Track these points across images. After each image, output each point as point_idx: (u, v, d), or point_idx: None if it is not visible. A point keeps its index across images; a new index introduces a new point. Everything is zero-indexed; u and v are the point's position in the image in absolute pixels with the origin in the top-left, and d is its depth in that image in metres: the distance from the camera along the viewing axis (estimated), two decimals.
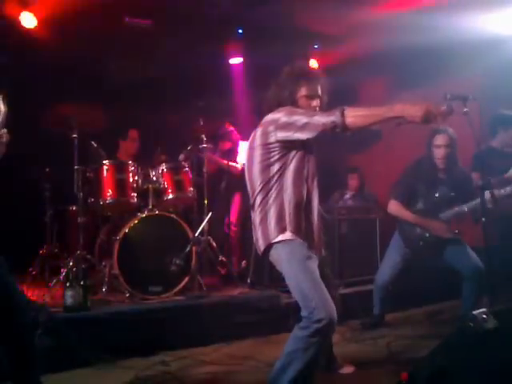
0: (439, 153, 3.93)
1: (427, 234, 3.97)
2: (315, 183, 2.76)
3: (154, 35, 5.61)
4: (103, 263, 4.49)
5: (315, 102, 2.77)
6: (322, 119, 2.50)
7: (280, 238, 2.62)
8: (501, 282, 4.19)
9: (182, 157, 4.83)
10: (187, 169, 4.70)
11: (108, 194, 4.36)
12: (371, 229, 5.13)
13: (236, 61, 6.63)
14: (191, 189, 4.65)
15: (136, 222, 4.23)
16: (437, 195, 3.99)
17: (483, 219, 3.96)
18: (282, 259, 2.65)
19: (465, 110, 3.68)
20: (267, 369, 3.32)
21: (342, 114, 2.44)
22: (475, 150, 4.09)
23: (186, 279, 4.29)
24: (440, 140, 3.93)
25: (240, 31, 6.12)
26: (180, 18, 5.45)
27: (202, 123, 4.89)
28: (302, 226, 2.64)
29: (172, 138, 5.48)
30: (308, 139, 2.56)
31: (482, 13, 4.86)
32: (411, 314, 4.75)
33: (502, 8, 4.99)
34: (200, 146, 4.87)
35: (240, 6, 5.41)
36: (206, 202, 4.81)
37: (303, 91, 2.75)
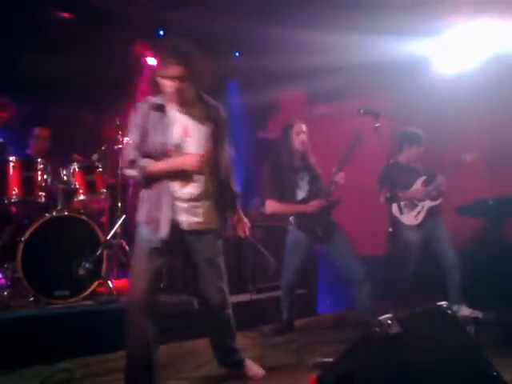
0: (299, 139, 4.11)
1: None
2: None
3: (72, 30, 5.39)
4: (5, 265, 4.23)
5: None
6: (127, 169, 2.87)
7: None
8: (405, 290, 4.44)
9: (95, 156, 4.65)
10: (101, 169, 4.55)
11: (13, 192, 4.13)
12: (285, 235, 5.22)
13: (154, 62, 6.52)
14: (104, 190, 4.51)
15: (43, 222, 4.01)
16: (306, 181, 4.12)
17: (390, 229, 4.19)
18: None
19: (376, 125, 3.88)
20: (177, 375, 3.30)
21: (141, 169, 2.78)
22: (385, 164, 4.32)
23: (96, 283, 4.14)
24: (298, 128, 4.12)
25: (161, 33, 6.04)
26: (101, 15, 5.30)
27: (118, 123, 4.76)
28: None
29: (86, 137, 5.28)
30: None
31: (399, 36, 5.10)
32: (320, 319, 4.89)
33: (418, 34, 5.25)
34: (115, 147, 4.74)
35: (163, 8, 5.36)
36: (119, 204, 4.69)
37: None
